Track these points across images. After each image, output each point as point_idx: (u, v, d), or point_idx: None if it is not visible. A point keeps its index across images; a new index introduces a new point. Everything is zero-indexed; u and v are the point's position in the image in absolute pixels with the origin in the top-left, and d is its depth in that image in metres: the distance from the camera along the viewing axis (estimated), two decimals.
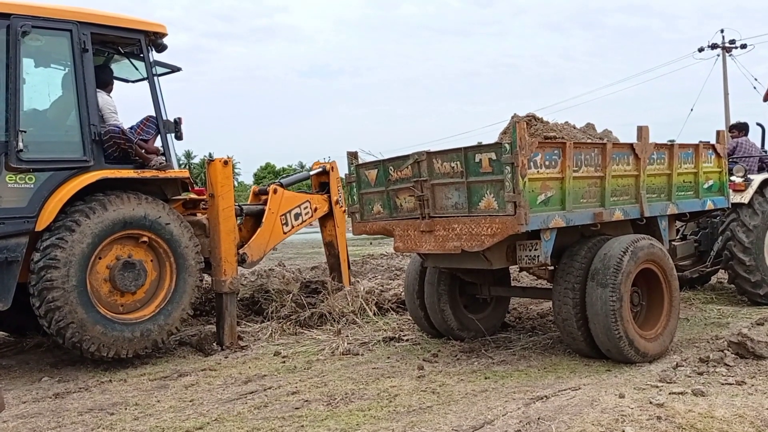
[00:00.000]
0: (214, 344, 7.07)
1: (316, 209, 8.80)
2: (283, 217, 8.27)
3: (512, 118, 6.61)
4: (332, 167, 8.99)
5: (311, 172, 9.16)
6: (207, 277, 7.57)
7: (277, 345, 7.13)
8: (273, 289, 8.63)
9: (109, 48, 7.18)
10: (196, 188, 7.78)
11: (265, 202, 8.13)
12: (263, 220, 7.96)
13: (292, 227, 8.42)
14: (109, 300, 6.41)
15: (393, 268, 12.73)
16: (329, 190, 8.93)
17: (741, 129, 9.82)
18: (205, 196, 7.47)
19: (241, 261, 7.46)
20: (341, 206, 9.01)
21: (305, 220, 8.66)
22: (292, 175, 9.25)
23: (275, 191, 8.21)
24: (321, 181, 9.06)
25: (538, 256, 5.61)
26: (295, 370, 6.11)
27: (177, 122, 7.20)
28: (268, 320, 8.04)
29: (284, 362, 6.41)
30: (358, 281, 9.31)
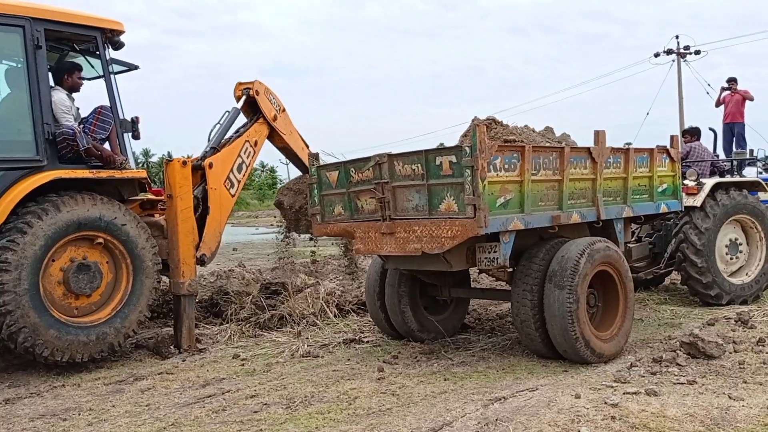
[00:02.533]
0: (172, 347, 6.96)
1: (256, 142, 8.08)
2: (227, 181, 7.66)
3: (473, 121, 6.67)
4: (257, 90, 8.00)
5: (238, 104, 8.12)
6: (164, 279, 7.45)
7: (236, 347, 7.06)
8: (232, 291, 8.54)
9: (64, 45, 7.00)
10: (154, 188, 7.64)
11: (203, 178, 7.50)
12: (209, 203, 7.44)
13: (239, 182, 7.83)
14: (63, 303, 6.25)
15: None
16: (261, 111, 8.09)
17: (694, 134, 10.13)
18: (162, 197, 7.35)
19: (201, 263, 7.33)
20: (282, 111, 8.29)
21: (250, 164, 8.00)
22: (218, 125, 7.91)
23: (211, 166, 7.50)
24: (250, 102, 8.12)
25: (497, 258, 5.67)
26: (254, 372, 6.06)
27: (134, 121, 7.07)
28: (227, 322, 7.95)
29: (243, 365, 6.35)
30: (319, 282, 9.28)
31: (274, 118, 8.19)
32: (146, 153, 69.24)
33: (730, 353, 5.81)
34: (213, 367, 6.32)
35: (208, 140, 7.77)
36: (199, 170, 7.53)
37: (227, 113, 7.96)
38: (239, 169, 7.80)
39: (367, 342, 7.08)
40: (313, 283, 9.25)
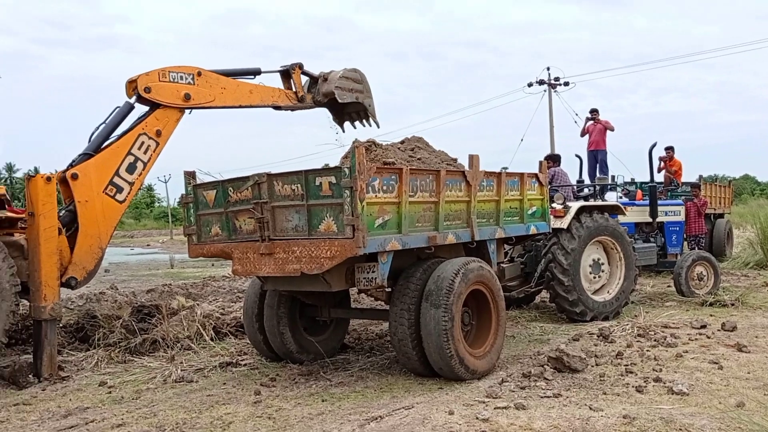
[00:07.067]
0: (31, 376, 6.47)
1: (159, 132, 7.16)
2: (109, 187, 6.96)
3: (353, 143, 6.75)
4: (145, 87, 7.04)
5: (131, 100, 7.19)
6: (25, 302, 6.93)
7: (103, 374, 6.67)
8: (101, 315, 8.08)
9: None
10: (14, 208, 7.09)
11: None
12: (79, 218, 6.83)
13: (131, 184, 7.07)
14: None
15: (235, 290, 12.45)
16: (161, 103, 7.21)
17: (555, 160, 10.85)
18: (23, 215, 6.86)
19: (69, 286, 6.84)
20: (198, 75, 7.35)
21: (151, 159, 7.12)
22: (102, 125, 7.09)
23: (75, 177, 6.78)
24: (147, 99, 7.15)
25: (376, 278, 5.73)
26: (122, 400, 5.75)
27: None
28: (94, 348, 7.51)
29: (110, 392, 6.01)
30: (198, 304, 8.98)
31: (187, 97, 7.29)
32: (10, 168, 64.86)
33: (592, 366, 6.17)
34: (76, 396, 5.94)
35: (89, 143, 7.10)
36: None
37: (117, 109, 7.20)
38: (131, 169, 7.06)
39: (245, 365, 6.91)
40: (190, 305, 8.94)
